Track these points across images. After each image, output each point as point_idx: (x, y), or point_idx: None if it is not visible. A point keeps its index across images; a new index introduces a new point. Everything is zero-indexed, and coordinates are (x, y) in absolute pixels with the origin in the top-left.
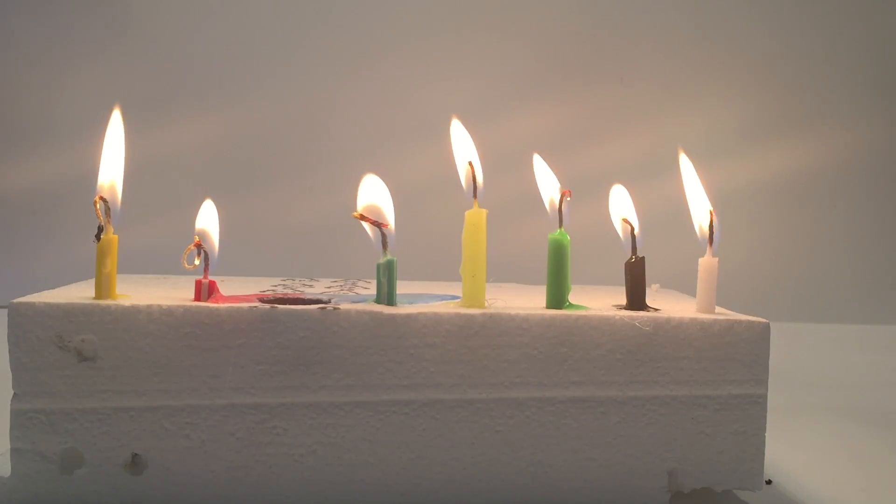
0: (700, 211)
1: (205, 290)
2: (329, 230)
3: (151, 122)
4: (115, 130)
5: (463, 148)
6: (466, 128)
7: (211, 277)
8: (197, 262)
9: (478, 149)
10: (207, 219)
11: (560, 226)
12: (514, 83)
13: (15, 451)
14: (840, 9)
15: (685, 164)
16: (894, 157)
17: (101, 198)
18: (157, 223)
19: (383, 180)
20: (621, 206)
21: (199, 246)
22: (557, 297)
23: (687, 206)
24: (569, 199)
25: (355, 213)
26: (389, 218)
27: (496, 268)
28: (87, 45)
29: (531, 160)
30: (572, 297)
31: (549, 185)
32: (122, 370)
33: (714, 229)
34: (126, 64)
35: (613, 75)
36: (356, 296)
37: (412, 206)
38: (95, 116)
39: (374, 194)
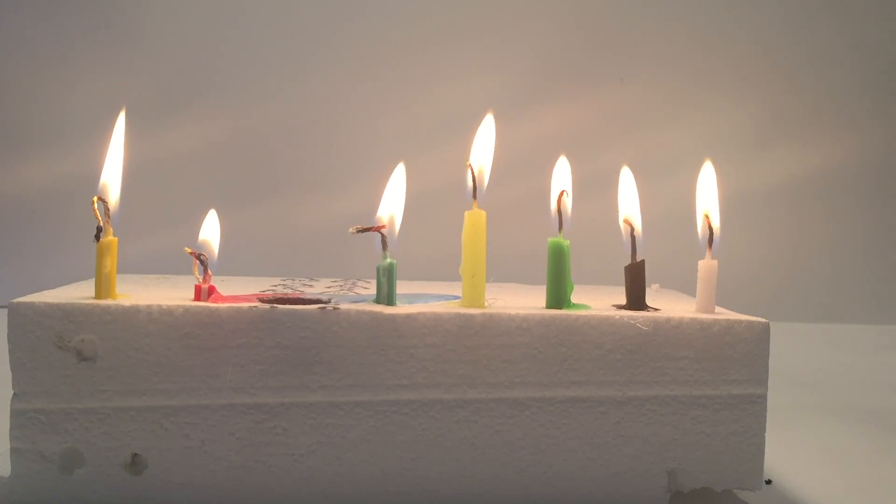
0: (709, 217)
1: (204, 294)
2: (329, 230)
3: (155, 125)
4: (119, 132)
5: (480, 148)
6: (466, 128)
7: (211, 275)
8: (199, 268)
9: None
10: (209, 229)
11: (560, 229)
12: (514, 84)
13: (15, 451)
14: (842, 14)
15: (707, 172)
16: (893, 159)
17: (100, 198)
18: (159, 225)
19: (384, 181)
20: (626, 202)
21: (193, 254)
22: (557, 299)
23: (694, 209)
24: (568, 195)
25: (351, 229)
26: (398, 217)
27: (496, 268)
28: (91, 48)
29: (532, 161)
30: (573, 297)
31: (558, 188)
32: (122, 370)
33: (713, 231)
34: (129, 67)
35: (614, 76)
36: (356, 296)
37: (413, 207)
38: (96, 119)
39: (391, 200)
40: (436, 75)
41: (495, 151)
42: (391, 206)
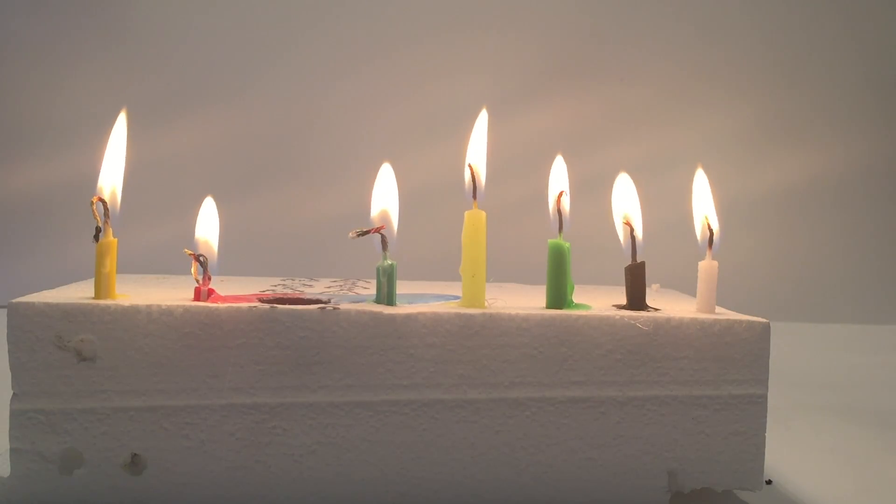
0: (708, 219)
1: (203, 296)
2: (329, 230)
3: (152, 123)
4: (120, 134)
5: (475, 147)
6: (467, 127)
7: (210, 277)
8: (198, 269)
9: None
10: (206, 223)
11: (560, 230)
12: (514, 83)
13: (14, 451)
14: (844, 16)
15: (700, 179)
16: (892, 160)
17: (99, 198)
18: (158, 224)
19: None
20: (624, 204)
21: (191, 255)
22: (557, 300)
23: (692, 213)
24: (566, 194)
25: (351, 234)
26: (394, 215)
27: (496, 268)
28: (87, 48)
29: (532, 160)
30: (573, 297)
31: (557, 188)
32: (121, 370)
33: (713, 232)
34: (126, 66)
35: (615, 76)
36: (356, 296)
37: (413, 207)
38: (95, 118)
39: (382, 198)
40: (436, 75)
41: (495, 151)
42: (384, 206)
